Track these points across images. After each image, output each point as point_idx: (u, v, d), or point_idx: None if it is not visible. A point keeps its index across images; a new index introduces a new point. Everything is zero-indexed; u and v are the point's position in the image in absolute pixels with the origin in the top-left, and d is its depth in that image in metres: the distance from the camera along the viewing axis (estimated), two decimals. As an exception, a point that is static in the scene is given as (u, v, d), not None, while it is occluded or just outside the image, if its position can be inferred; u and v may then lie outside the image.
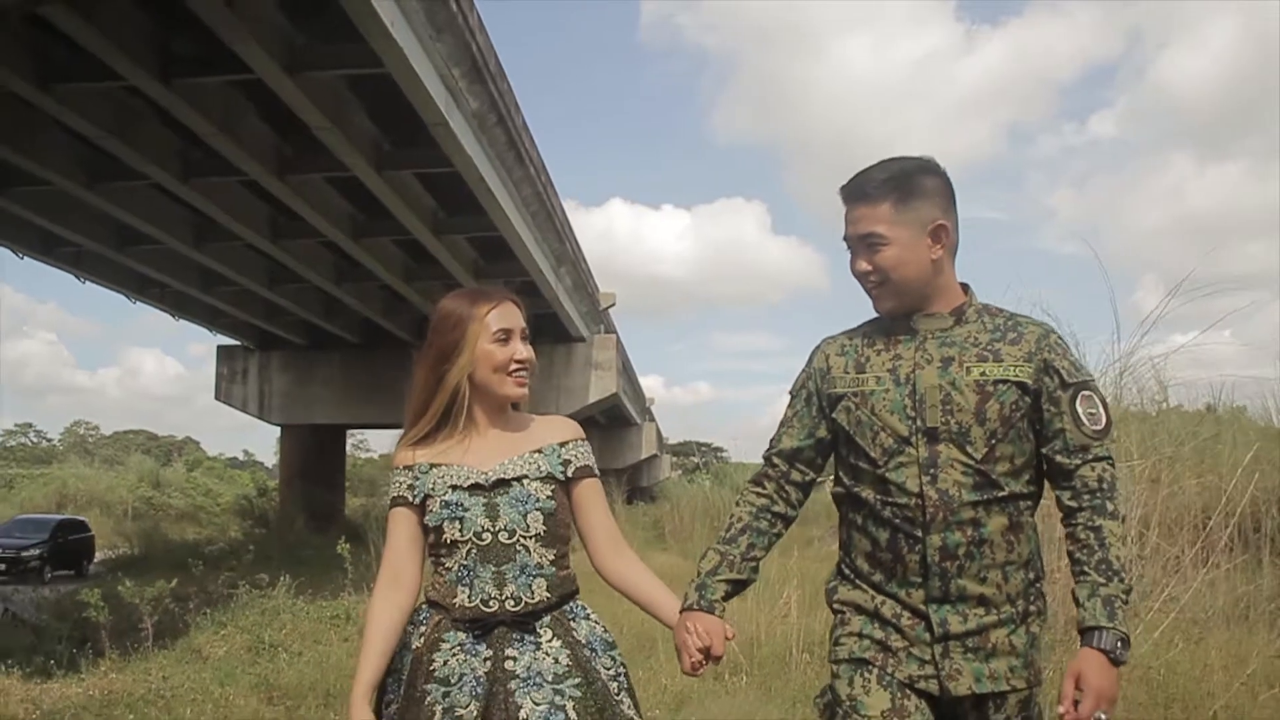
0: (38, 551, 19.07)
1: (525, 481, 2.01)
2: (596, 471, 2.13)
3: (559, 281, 21.45)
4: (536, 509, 2.00)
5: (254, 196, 16.50)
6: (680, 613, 1.98)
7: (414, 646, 2.01)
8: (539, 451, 2.05)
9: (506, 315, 2.07)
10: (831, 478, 2.11)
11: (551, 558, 2.02)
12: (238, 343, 26.62)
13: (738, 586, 2.01)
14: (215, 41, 10.81)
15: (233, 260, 19.24)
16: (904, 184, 1.92)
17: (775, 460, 2.07)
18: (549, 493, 2.01)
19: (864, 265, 1.95)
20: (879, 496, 1.92)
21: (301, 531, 21.10)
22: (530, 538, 1.99)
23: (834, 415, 1.99)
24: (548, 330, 22.73)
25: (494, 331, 2.04)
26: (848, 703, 1.90)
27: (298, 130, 13.37)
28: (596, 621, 2.06)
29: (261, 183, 14.89)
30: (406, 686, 1.98)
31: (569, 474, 2.07)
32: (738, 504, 2.08)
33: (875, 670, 1.89)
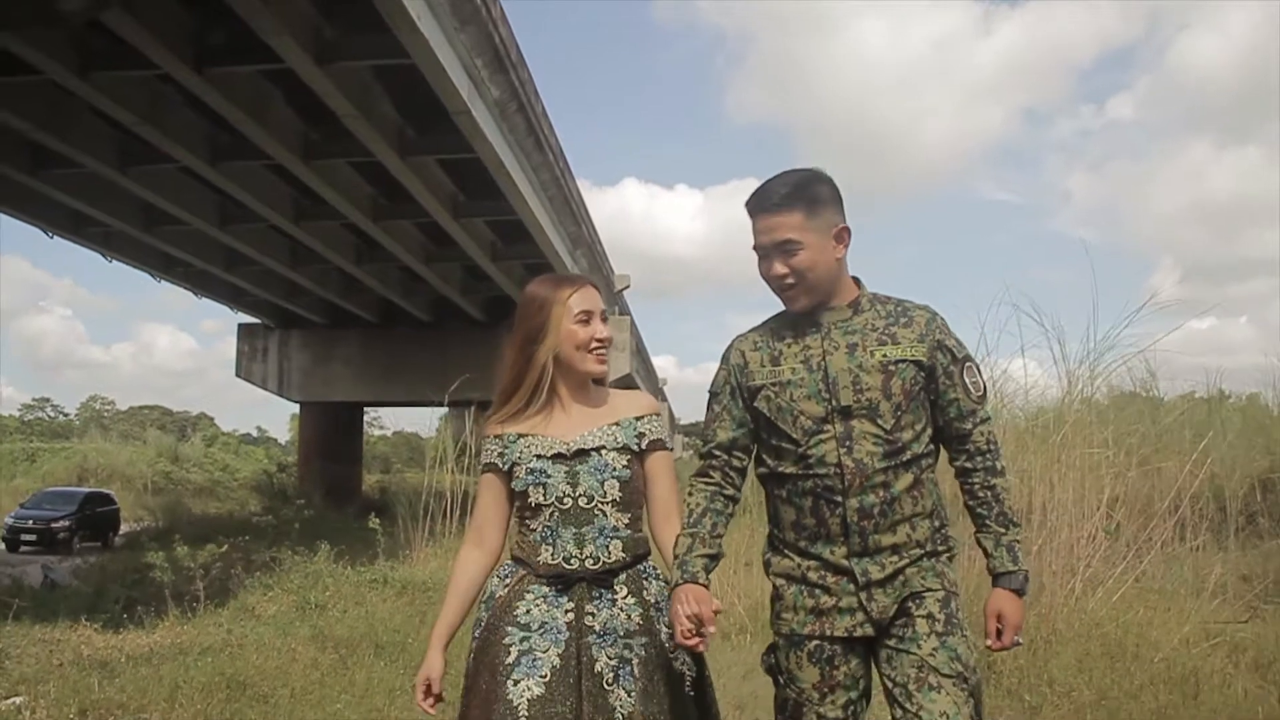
0: (66, 523, 19.64)
1: (603, 452, 2.19)
2: (669, 445, 2.33)
3: (574, 264, 21.83)
4: (613, 477, 2.18)
5: (279, 180, 16.95)
6: (671, 591, 2.15)
7: (498, 596, 2.19)
8: (617, 424, 2.24)
9: (587, 298, 2.25)
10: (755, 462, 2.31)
11: (627, 521, 2.20)
12: (258, 321, 27.09)
13: (712, 560, 2.18)
14: (248, 33, 11.22)
15: (256, 241, 19.71)
16: (810, 193, 2.14)
17: (716, 452, 2.26)
18: (625, 462, 2.20)
19: (780, 269, 2.14)
20: (802, 470, 2.13)
21: (319, 507, 21.57)
22: (607, 503, 2.17)
23: (755, 404, 2.20)
24: (563, 312, 23.16)
25: (576, 313, 2.22)
26: (786, 673, 2.17)
27: (324, 117, 13.78)
28: (666, 582, 2.21)
29: (288, 167, 15.33)
30: (486, 629, 2.17)
31: (643, 446, 2.24)
32: (690, 494, 2.26)
33: (810, 644, 2.12)
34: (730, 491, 2.26)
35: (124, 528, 21.96)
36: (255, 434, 69.13)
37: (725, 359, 2.29)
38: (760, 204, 2.17)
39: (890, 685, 2.08)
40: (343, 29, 12.01)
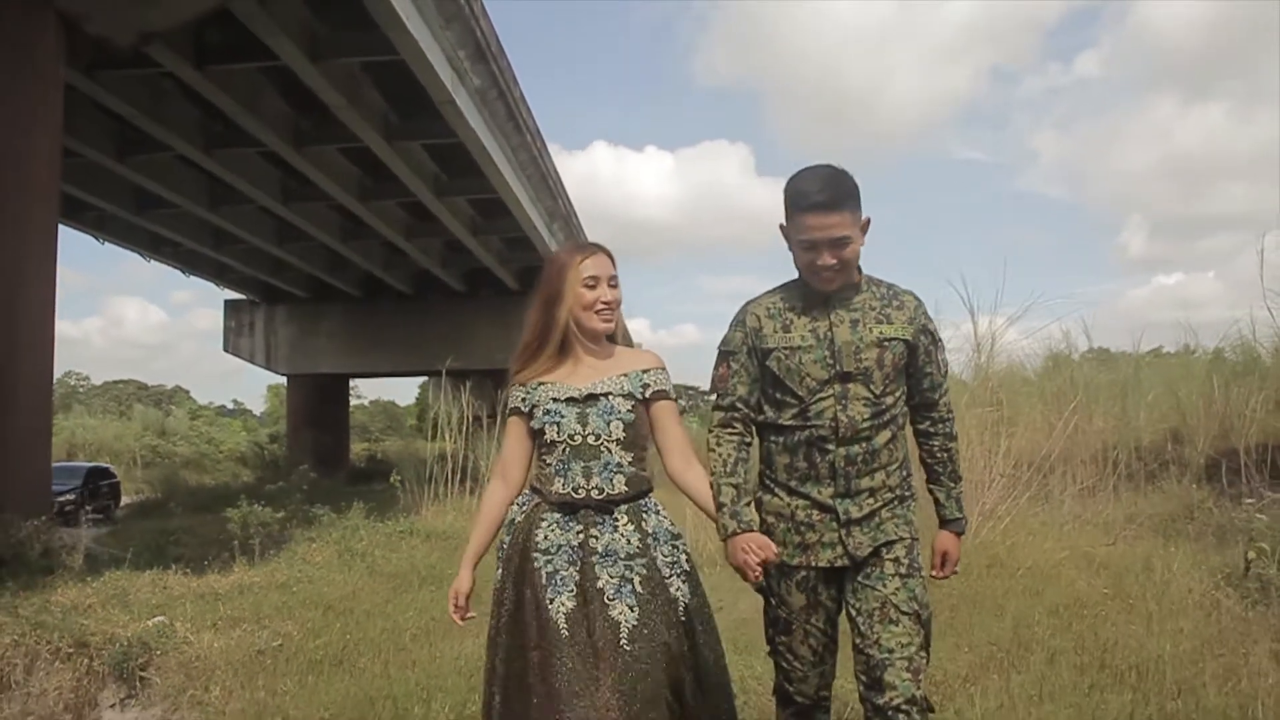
0: (72, 496, 20.38)
1: (610, 397, 2.48)
2: (673, 396, 2.58)
3: (552, 237, 22.70)
4: (618, 419, 2.47)
5: (269, 164, 17.74)
6: (728, 540, 2.41)
7: (516, 521, 2.50)
8: (625, 375, 2.52)
9: (597, 264, 2.53)
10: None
11: (630, 459, 2.47)
12: (244, 297, 27.85)
13: (750, 506, 2.51)
14: (246, 33, 12.01)
15: (244, 221, 20.52)
16: (856, 193, 2.44)
17: (737, 405, 2.52)
18: (629, 407, 2.48)
19: (830, 259, 2.40)
20: (800, 422, 2.45)
21: (307, 475, 22.39)
22: (612, 441, 2.46)
23: (767, 364, 2.48)
24: (541, 282, 24.08)
25: (585, 277, 2.50)
26: (777, 596, 2.49)
27: (314, 107, 14.60)
28: (665, 516, 2.52)
29: (280, 154, 16.14)
30: (520, 558, 2.44)
31: (647, 395, 2.51)
32: (720, 444, 2.51)
33: (799, 575, 2.46)
34: (749, 439, 2.56)
35: (124, 499, 22.74)
36: (231, 406, 69.38)
37: (741, 322, 2.54)
38: (814, 204, 2.39)
39: (855, 614, 2.42)
40: (334, 26, 12.81)
